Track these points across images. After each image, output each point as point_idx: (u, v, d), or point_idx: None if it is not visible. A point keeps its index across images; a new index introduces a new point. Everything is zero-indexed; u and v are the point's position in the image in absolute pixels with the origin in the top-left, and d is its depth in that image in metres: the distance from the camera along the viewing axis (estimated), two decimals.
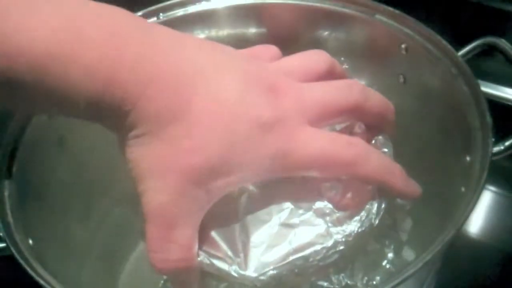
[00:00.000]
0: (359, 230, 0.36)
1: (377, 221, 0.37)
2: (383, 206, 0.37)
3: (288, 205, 0.37)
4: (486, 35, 0.45)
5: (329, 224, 0.36)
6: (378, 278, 0.39)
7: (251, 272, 0.35)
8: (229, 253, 0.36)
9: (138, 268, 0.41)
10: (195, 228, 0.33)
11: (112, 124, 0.32)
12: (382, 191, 0.37)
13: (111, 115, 0.31)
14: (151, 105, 0.30)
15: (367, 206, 0.37)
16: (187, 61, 0.32)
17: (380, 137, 0.41)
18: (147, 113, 0.30)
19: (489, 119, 0.39)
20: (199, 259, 0.35)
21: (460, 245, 0.52)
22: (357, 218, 0.36)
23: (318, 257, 0.35)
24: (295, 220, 0.36)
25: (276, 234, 0.36)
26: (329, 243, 0.35)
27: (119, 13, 0.32)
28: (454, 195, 0.39)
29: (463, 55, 0.44)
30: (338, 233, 0.36)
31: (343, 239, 0.36)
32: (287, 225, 0.36)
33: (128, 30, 0.31)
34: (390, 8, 0.47)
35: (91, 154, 0.46)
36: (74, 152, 0.45)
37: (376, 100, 0.37)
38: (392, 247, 0.40)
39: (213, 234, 0.36)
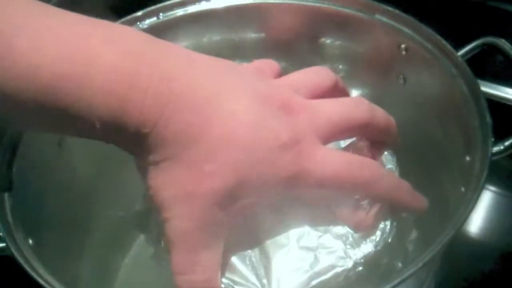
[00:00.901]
0: (375, 250, 0.37)
1: (390, 239, 0.38)
2: (395, 224, 0.38)
3: (304, 228, 0.37)
4: (486, 35, 0.45)
5: (347, 246, 0.37)
6: None
7: None
8: (252, 278, 0.36)
9: (136, 267, 0.41)
10: (219, 251, 0.34)
11: (131, 147, 0.32)
12: (393, 209, 0.38)
13: (129, 138, 0.30)
14: (170, 127, 0.30)
15: (381, 226, 0.38)
16: (202, 82, 0.32)
17: (386, 153, 0.42)
18: (166, 135, 0.30)
19: (489, 119, 0.39)
20: (222, 286, 0.35)
21: (460, 245, 0.52)
22: (372, 238, 0.37)
23: (339, 279, 0.36)
24: (314, 243, 0.37)
25: (297, 258, 0.36)
26: (349, 264, 0.36)
27: (131, 33, 0.32)
28: (454, 195, 0.39)
29: (463, 55, 0.44)
30: (356, 254, 0.37)
31: (362, 260, 0.36)
32: (306, 248, 0.37)
33: (141, 50, 0.31)
34: (390, 8, 0.47)
35: (91, 154, 0.46)
36: (74, 152, 0.45)
37: (382, 115, 0.38)
38: (400, 258, 0.40)
39: (234, 259, 0.36)
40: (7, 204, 0.38)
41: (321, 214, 0.37)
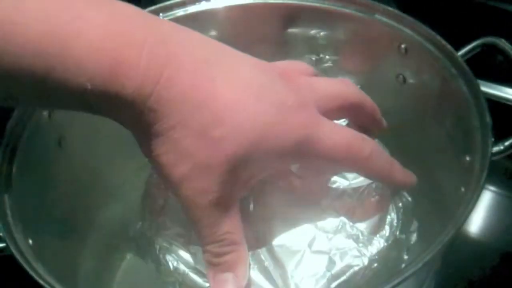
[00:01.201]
0: (386, 245, 0.38)
1: (398, 233, 0.39)
2: (400, 216, 0.39)
3: (314, 232, 0.38)
4: (486, 35, 0.45)
5: (360, 245, 0.37)
6: None
7: None
8: None
9: (135, 267, 0.41)
10: (239, 215, 0.33)
11: (130, 118, 0.30)
12: (383, 181, 0.38)
13: (127, 105, 0.29)
14: (173, 89, 0.29)
15: (389, 220, 0.39)
16: (199, 45, 0.31)
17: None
18: (170, 98, 0.29)
19: (488, 119, 0.39)
20: None
21: (460, 245, 0.52)
22: (382, 233, 0.38)
23: (357, 278, 0.36)
24: (326, 246, 0.37)
25: (312, 263, 0.36)
26: (365, 262, 0.36)
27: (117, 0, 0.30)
28: (454, 195, 0.39)
29: (463, 55, 0.44)
30: (370, 251, 0.37)
31: (376, 257, 0.37)
32: (319, 252, 0.37)
33: (130, 14, 0.30)
34: (390, 8, 0.47)
35: (91, 154, 0.46)
36: (74, 152, 0.45)
37: (370, 100, 0.38)
38: (405, 250, 0.40)
39: (250, 272, 0.36)
40: (7, 204, 0.38)
41: (323, 212, 0.38)
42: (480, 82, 0.42)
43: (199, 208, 0.31)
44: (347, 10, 0.48)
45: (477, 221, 0.56)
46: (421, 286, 0.41)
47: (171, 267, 0.38)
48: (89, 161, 0.46)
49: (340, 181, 0.40)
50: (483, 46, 0.45)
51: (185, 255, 0.38)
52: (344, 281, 0.36)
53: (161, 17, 0.49)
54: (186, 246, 0.38)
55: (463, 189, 0.37)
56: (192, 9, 0.50)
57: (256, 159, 0.31)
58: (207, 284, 0.36)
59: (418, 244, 0.41)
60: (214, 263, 0.33)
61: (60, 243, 0.41)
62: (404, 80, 0.48)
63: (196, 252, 0.38)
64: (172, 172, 0.31)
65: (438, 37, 0.44)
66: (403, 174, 0.38)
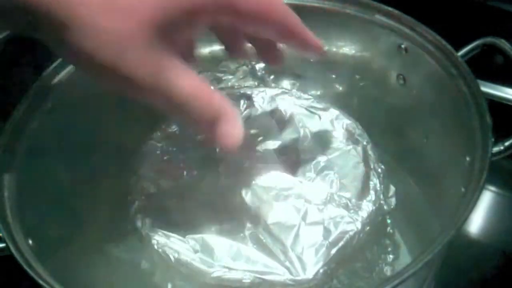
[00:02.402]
0: (374, 208, 0.40)
1: (382, 196, 0.42)
2: (382, 183, 0.42)
3: (305, 206, 0.40)
4: (486, 36, 0.45)
5: (351, 211, 0.40)
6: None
7: (307, 275, 0.37)
8: (274, 265, 0.38)
9: (134, 267, 0.41)
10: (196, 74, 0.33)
11: (48, 28, 0.30)
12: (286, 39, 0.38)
13: (41, 12, 0.29)
14: None
15: (372, 184, 0.42)
16: None
17: (357, 128, 0.45)
18: None
19: (488, 119, 0.39)
20: (249, 280, 0.37)
21: (460, 245, 0.52)
22: (369, 198, 0.41)
23: (353, 242, 0.39)
24: (319, 217, 0.40)
25: (309, 234, 0.39)
26: (358, 226, 0.39)
27: None
28: (454, 195, 0.39)
29: (463, 55, 0.44)
30: (361, 215, 0.40)
31: (367, 220, 0.40)
32: (314, 223, 0.39)
33: None
34: (390, 8, 0.47)
35: (90, 153, 0.46)
36: (74, 150, 0.45)
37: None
38: (387, 214, 0.44)
39: (251, 251, 0.38)
40: (7, 204, 0.38)
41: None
42: (480, 82, 0.42)
43: (146, 82, 0.31)
44: (347, 11, 0.48)
45: (477, 221, 0.56)
46: (421, 286, 0.41)
47: (173, 259, 0.38)
48: (89, 161, 0.46)
49: (319, 158, 0.44)
50: (483, 46, 0.45)
51: (185, 246, 0.39)
52: (342, 247, 0.38)
53: None
54: (185, 237, 0.39)
55: (463, 189, 0.37)
56: None
57: (174, 15, 0.31)
58: (212, 270, 0.37)
59: (412, 244, 0.44)
60: (206, 127, 0.33)
61: (60, 243, 0.41)
62: (404, 80, 0.48)
63: (196, 241, 0.39)
64: (104, 58, 0.30)
65: (438, 38, 0.44)
66: (310, 33, 0.37)
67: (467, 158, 0.39)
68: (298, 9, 0.49)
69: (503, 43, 0.44)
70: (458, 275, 0.51)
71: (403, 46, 0.46)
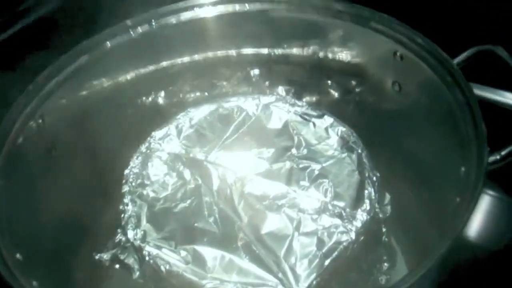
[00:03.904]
0: (369, 218, 0.40)
1: (377, 205, 0.41)
2: (377, 191, 0.42)
3: (298, 215, 0.40)
4: (482, 43, 0.44)
5: (345, 221, 0.40)
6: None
7: (300, 287, 0.37)
8: (267, 276, 0.37)
9: (125, 278, 0.41)
10: None
11: None
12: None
13: None
14: None
15: (367, 193, 0.41)
16: None
17: (352, 136, 0.45)
18: None
19: (483, 128, 0.38)
20: None
21: (459, 249, 0.51)
22: (363, 207, 0.41)
23: (347, 253, 0.39)
24: (313, 226, 0.40)
25: (302, 245, 0.39)
26: (353, 236, 0.39)
27: None
28: (449, 203, 0.39)
29: (459, 63, 0.44)
30: (355, 225, 0.40)
31: (362, 230, 0.39)
32: (308, 234, 0.39)
33: None
34: (385, 16, 0.46)
35: (81, 162, 0.45)
36: (64, 162, 0.44)
37: None
38: (382, 222, 0.43)
39: (243, 262, 0.38)
40: None
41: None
42: (478, 86, 0.41)
43: None
44: (342, 19, 0.48)
45: (474, 225, 0.55)
46: None
47: (164, 271, 0.38)
48: (80, 170, 0.46)
49: (313, 166, 0.43)
50: (479, 53, 0.44)
51: (176, 256, 0.39)
52: (336, 257, 0.38)
53: (153, 24, 0.49)
54: (176, 248, 0.39)
55: (458, 199, 0.37)
56: (184, 16, 0.49)
57: None
58: (204, 281, 0.37)
59: (408, 253, 0.43)
60: None
61: (49, 256, 0.40)
62: (400, 87, 0.48)
63: (188, 252, 0.39)
64: None
65: (434, 45, 0.44)
66: None
67: (463, 168, 0.38)
68: (296, 18, 0.49)
69: (499, 50, 0.43)
70: (456, 278, 0.50)
71: (398, 53, 0.46)
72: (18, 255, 0.36)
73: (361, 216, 0.40)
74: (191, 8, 0.49)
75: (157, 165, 0.45)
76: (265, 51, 0.52)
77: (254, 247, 0.39)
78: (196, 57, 0.52)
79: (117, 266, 0.42)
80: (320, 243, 0.38)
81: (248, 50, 0.52)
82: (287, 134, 0.47)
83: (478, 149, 0.37)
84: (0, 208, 0.38)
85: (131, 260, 0.41)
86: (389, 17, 0.46)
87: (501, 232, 0.54)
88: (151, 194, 0.43)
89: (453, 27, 0.57)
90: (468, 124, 0.39)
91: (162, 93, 0.52)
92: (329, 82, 0.53)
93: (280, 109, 0.49)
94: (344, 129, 0.46)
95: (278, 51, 0.51)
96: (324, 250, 0.38)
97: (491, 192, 0.56)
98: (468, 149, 0.38)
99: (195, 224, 0.41)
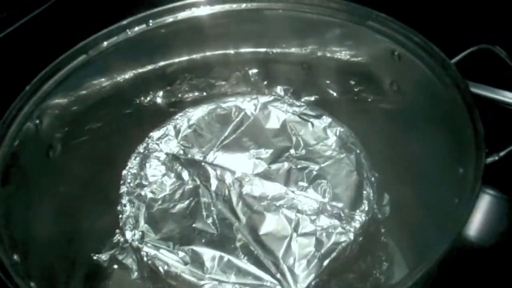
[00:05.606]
0: (367, 218, 0.40)
1: (375, 206, 0.41)
2: (376, 192, 0.42)
3: (296, 216, 0.40)
4: (479, 42, 0.44)
5: (343, 222, 0.40)
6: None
7: (298, 287, 0.37)
8: (266, 277, 0.38)
9: (123, 279, 0.41)
10: None
11: None
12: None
13: None
14: None
15: (365, 194, 0.41)
16: None
17: (350, 136, 0.45)
18: None
19: (481, 128, 0.38)
20: None
21: (457, 249, 0.51)
22: (362, 208, 0.41)
23: (346, 254, 0.39)
24: (311, 227, 0.40)
25: (301, 246, 0.39)
26: (351, 237, 0.39)
27: None
28: (448, 204, 0.38)
29: (457, 63, 0.44)
30: (354, 226, 0.39)
31: (360, 231, 0.39)
32: (306, 234, 0.39)
33: None
34: (383, 15, 0.46)
35: (79, 165, 0.45)
36: (61, 162, 0.44)
37: None
38: (381, 223, 0.43)
39: (242, 263, 0.38)
40: None
41: None
42: (476, 84, 0.41)
43: None
44: (341, 18, 0.48)
45: (474, 224, 0.55)
46: None
47: (162, 271, 0.38)
48: (77, 173, 0.46)
49: (311, 166, 0.43)
50: (477, 53, 0.44)
51: (174, 257, 0.39)
52: (335, 258, 0.38)
53: (150, 24, 0.49)
54: (174, 249, 0.39)
55: (456, 201, 0.37)
56: (181, 15, 0.49)
57: None
58: (202, 282, 0.37)
59: (406, 254, 0.43)
60: None
61: (47, 258, 0.40)
62: (398, 87, 0.48)
63: (186, 252, 0.39)
64: None
65: (431, 45, 0.44)
66: None
67: (461, 170, 0.38)
68: (293, 17, 0.49)
69: (497, 50, 0.43)
70: (455, 278, 0.50)
71: (396, 53, 0.46)
72: (15, 257, 0.36)
73: (360, 216, 0.40)
74: (188, 7, 0.49)
75: (155, 165, 0.45)
76: (263, 50, 0.52)
77: (253, 248, 0.39)
78: (194, 56, 0.52)
79: (115, 266, 0.42)
80: (319, 243, 0.38)
81: (246, 50, 0.52)
82: (285, 135, 0.47)
83: (476, 150, 0.37)
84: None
85: (129, 261, 0.41)
86: (387, 16, 0.46)
87: (500, 232, 0.54)
88: (149, 195, 0.43)
89: (451, 27, 0.57)
90: (466, 124, 0.39)
91: (160, 93, 0.52)
92: (327, 81, 0.53)
93: (278, 109, 0.49)
94: (342, 129, 0.46)
95: (276, 51, 0.51)
96: (322, 251, 0.38)
97: (489, 191, 0.56)
98: (466, 150, 0.38)
99: (193, 225, 0.41)
